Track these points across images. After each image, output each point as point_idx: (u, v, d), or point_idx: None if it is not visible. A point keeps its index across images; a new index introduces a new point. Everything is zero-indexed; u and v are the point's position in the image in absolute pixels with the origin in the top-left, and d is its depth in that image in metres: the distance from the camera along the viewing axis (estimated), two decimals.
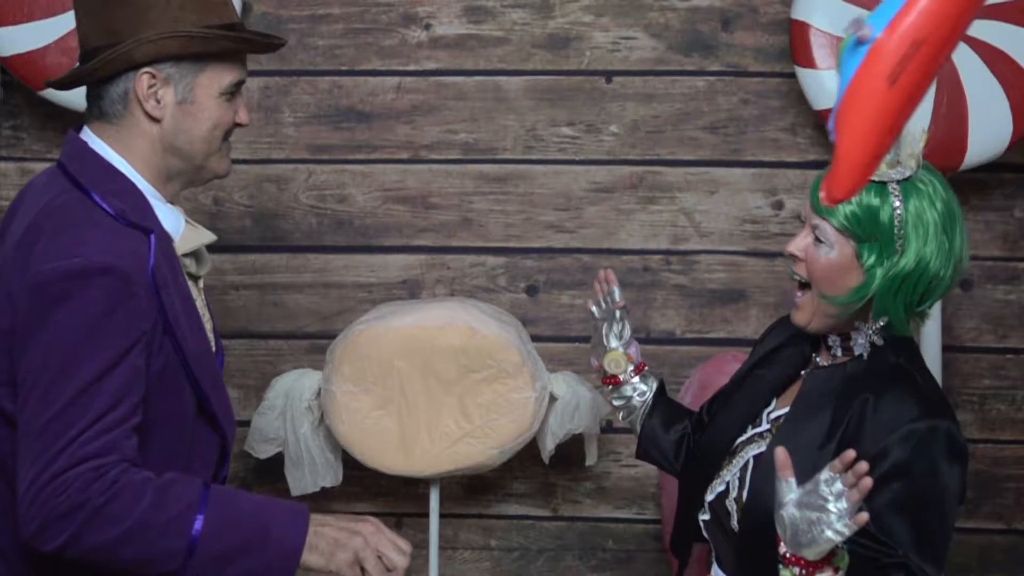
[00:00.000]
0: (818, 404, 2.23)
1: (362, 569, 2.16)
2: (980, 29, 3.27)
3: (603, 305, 2.67)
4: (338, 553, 2.14)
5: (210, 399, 2.29)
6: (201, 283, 2.41)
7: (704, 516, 2.36)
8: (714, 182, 3.50)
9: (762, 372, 2.41)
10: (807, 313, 2.28)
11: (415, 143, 3.54)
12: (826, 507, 1.93)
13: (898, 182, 2.17)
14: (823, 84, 3.27)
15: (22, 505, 2.06)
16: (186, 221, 2.35)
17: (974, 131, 3.26)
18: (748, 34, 3.49)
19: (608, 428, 3.49)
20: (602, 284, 2.67)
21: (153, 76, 2.24)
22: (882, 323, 2.22)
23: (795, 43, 3.32)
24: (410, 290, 3.54)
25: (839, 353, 2.28)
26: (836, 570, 1.98)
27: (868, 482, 1.92)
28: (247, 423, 3.39)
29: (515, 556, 3.57)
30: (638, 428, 2.66)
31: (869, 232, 2.17)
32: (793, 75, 3.36)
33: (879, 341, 2.24)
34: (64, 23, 3.30)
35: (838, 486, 1.93)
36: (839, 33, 3.27)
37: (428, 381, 3.24)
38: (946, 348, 3.39)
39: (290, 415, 3.32)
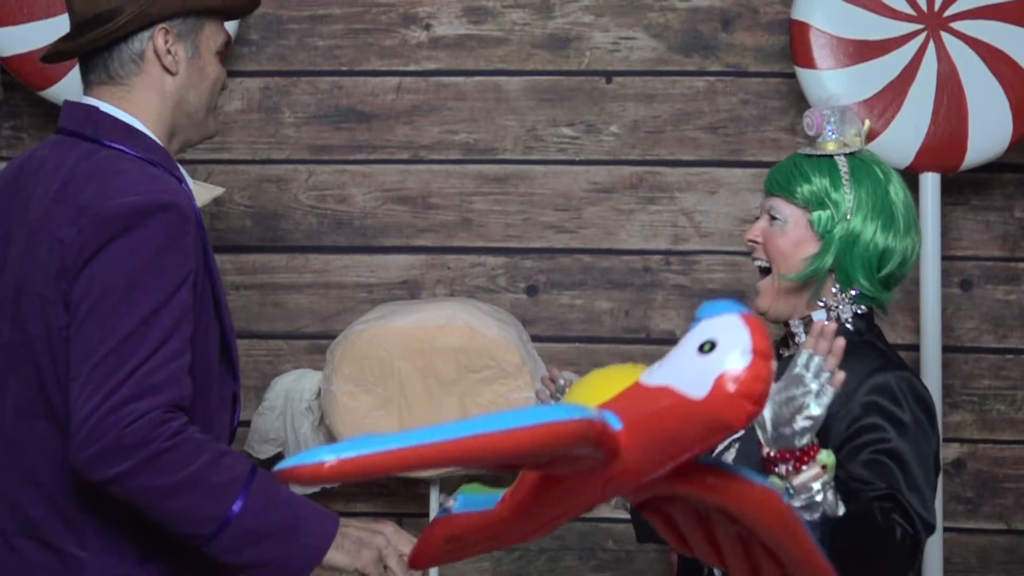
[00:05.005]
0: None
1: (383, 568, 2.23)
2: (980, 29, 3.27)
3: (558, 399, 2.55)
4: (363, 551, 2.19)
5: (231, 344, 2.34)
6: None
7: None
8: (714, 182, 3.50)
9: None
10: (768, 297, 2.31)
11: (415, 143, 3.54)
12: (805, 381, 1.94)
13: (845, 156, 2.28)
14: (823, 84, 3.26)
15: (80, 431, 2.07)
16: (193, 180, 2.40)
17: (974, 131, 3.26)
18: (748, 34, 3.49)
19: None
20: (549, 383, 2.54)
21: (167, 32, 2.30)
22: (853, 293, 2.26)
23: (795, 43, 3.32)
24: (410, 290, 3.54)
25: (803, 337, 2.29)
26: (824, 468, 1.95)
27: (841, 342, 1.95)
28: (247, 423, 3.39)
29: (515, 556, 3.57)
30: (627, 504, 2.60)
31: (821, 201, 2.25)
32: (793, 75, 3.36)
33: (848, 313, 2.26)
34: (64, 23, 3.29)
35: (816, 360, 1.95)
36: (839, 33, 3.28)
37: (428, 381, 3.24)
38: (946, 348, 3.39)
39: (290, 415, 3.33)
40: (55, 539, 2.21)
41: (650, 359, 3.69)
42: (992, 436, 3.49)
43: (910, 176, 3.30)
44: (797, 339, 2.29)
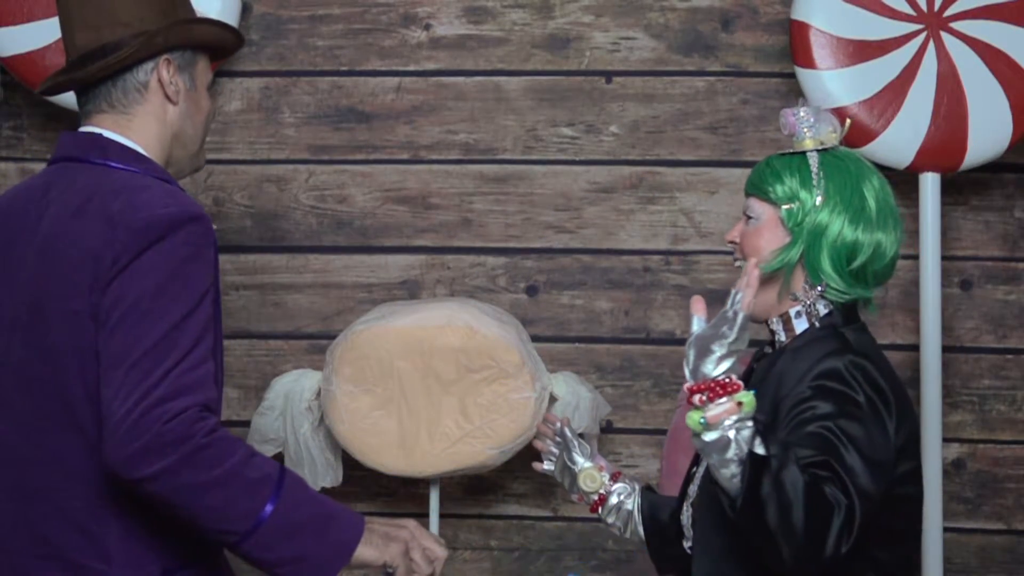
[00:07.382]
0: (761, 387, 2.22)
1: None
2: (980, 29, 3.27)
3: (555, 451, 2.59)
4: (391, 545, 2.26)
5: (222, 357, 2.38)
6: None
7: (688, 543, 2.38)
8: (714, 182, 3.50)
9: None
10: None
11: (415, 143, 3.54)
12: (727, 316, 2.01)
13: (818, 152, 2.30)
14: (823, 84, 3.27)
15: (119, 429, 2.10)
16: None
17: (974, 131, 3.27)
18: (748, 34, 3.49)
19: (608, 428, 3.49)
20: (547, 427, 2.60)
21: (169, 62, 2.35)
22: (820, 289, 2.26)
23: (795, 43, 3.32)
24: (410, 290, 3.54)
25: (783, 337, 2.29)
26: (739, 405, 1.95)
27: (757, 272, 2.05)
28: (247, 423, 3.40)
29: (515, 556, 3.57)
30: (641, 533, 2.61)
31: (791, 197, 2.28)
32: (793, 75, 3.36)
33: (822, 308, 2.26)
34: None
35: (739, 296, 2.02)
36: (839, 33, 3.28)
37: (428, 381, 3.24)
38: (946, 348, 3.39)
39: (290, 415, 3.33)
40: (75, 554, 2.21)
41: (650, 359, 3.72)
42: (992, 436, 3.49)
43: (910, 176, 3.31)
44: (777, 338, 2.30)
